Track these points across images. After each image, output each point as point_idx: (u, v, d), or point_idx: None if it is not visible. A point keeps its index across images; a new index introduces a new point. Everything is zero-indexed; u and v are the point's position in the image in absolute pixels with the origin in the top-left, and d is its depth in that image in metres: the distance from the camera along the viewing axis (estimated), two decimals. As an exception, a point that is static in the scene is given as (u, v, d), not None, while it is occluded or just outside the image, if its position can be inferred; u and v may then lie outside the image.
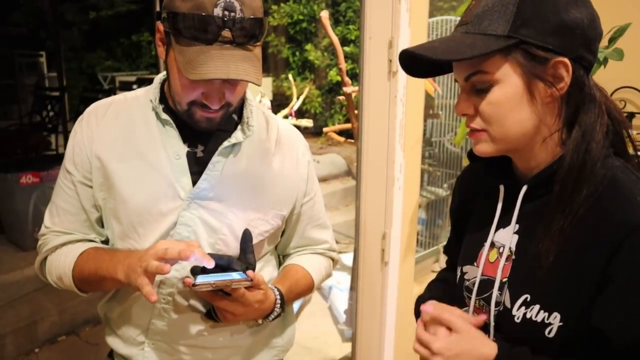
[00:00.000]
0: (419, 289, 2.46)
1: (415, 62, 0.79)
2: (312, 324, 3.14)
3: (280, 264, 1.21)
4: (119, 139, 1.02)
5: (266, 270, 1.12)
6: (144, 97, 1.05)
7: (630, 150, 0.80)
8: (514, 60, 0.73)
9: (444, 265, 2.86)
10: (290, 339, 1.21)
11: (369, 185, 1.95)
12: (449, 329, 0.80)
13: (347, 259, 3.64)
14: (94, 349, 2.76)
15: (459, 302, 0.91)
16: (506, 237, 0.83)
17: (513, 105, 0.74)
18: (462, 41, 0.74)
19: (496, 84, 0.74)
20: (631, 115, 2.26)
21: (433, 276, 2.48)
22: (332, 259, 1.24)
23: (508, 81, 0.74)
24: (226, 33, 0.87)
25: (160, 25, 0.94)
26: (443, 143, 3.00)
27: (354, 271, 2.17)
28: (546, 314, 0.76)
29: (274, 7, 8.14)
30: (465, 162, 2.66)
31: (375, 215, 1.98)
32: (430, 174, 3.09)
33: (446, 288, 1.00)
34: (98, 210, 1.05)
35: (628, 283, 0.70)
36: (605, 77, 2.17)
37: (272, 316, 1.02)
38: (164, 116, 1.00)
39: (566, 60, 0.73)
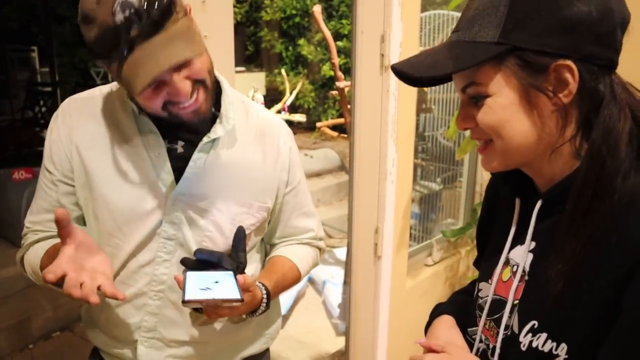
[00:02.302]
0: (412, 282, 2.49)
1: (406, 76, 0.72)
2: (306, 318, 3.15)
3: (266, 254, 1.21)
4: (98, 137, 1.00)
5: (251, 266, 1.12)
6: (120, 94, 1.02)
7: None
8: (507, 70, 0.65)
9: (437, 259, 2.87)
10: (277, 327, 1.23)
11: (362, 179, 1.96)
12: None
13: (341, 253, 3.66)
14: (88, 345, 2.75)
15: (472, 320, 0.85)
16: (521, 256, 0.75)
17: (509, 117, 0.67)
18: (449, 52, 0.68)
19: (490, 96, 0.67)
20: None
21: (426, 270, 2.50)
22: (319, 248, 1.24)
23: (501, 93, 0.66)
24: (134, 32, 0.82)
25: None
26: (436, 137, 3.01)
27: (347, 265, 2.19)
28: (554, 344, 0.68)
29: (267, 2, 8.11)
30: (459, 157, 2.64)
31: (368, 209, 1.99)
32: (423, 168, 3.10)
33: (467, 300, 0.94)
34: (80, 209, 1.04)
35: None
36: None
37: (258, 313, 1.02)
38: (141, 114, 0.98)
39: (569, 62, 0.64)
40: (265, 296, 1.01)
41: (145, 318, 1.04)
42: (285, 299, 3.08)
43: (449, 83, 0.76)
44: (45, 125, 6.11)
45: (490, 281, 0.81)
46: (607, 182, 0.64)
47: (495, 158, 0.72)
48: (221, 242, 1.02)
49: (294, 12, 8.01)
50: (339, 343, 2.80)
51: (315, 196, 5.15)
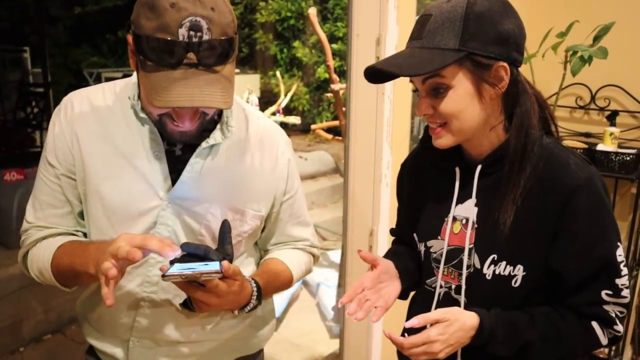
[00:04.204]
0: (407, 285, 2.46)
1: (378, 74, 0.91)
2: (300, 320, 3.15)
3: (261, 258, 1.20)
4: (99, 134, 1.00)
5: (246, 269, 1.12)
6: (123, 92, 1.03)
7: (552, 128, 0.99)
8: (465, 69, 0.88)
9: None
10: (271, 328, 1.23)
11: (357, 182, 1.96)
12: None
13: (335, 255, 3.65)
14: (79, 348, 2.73)
15: (428, 273, 1.04)
16: (467, 210, 0.98)
17: (466, 104, 0.89)
18: (421, 56, 0.87)
19: (451, 88, 0.89)
20: (615, 113, 2.29)
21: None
22: (313, 255, 1.24)
23: (461, 85, 0.88)
24: (191, 56, 0.84)
25: (129, 37, 0.91)
26: (430, 140, 3.02)
27: (342, 268, 2.18)
28: (511, 267, 0.93)
29: (262, 4, 8.11)
30: None
31: (362, 212, 1.99)
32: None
33: (398, 254, 1.13)
34: (81, 203, 1.04)
35: (574, 232, 0.90)
36: (590, 76, 2.21)
37: (248, 308, 1.01)
38: (143, 115, 0.98)
39: (505, 64, 0.88)
40: (255, 290, 1.01)
41: (137, 318, 1.04)
42: (279, 302, 3.07)
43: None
44: (37, 127, 6.08)
45: (440, 237, 1.01)
46: (530, 146, 0.91)
47: (450, 136, 0.93)
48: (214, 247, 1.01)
49: (288, 14, 8.01)
50: (333, 345, 2.80)
51: (310, 198, 5.15)
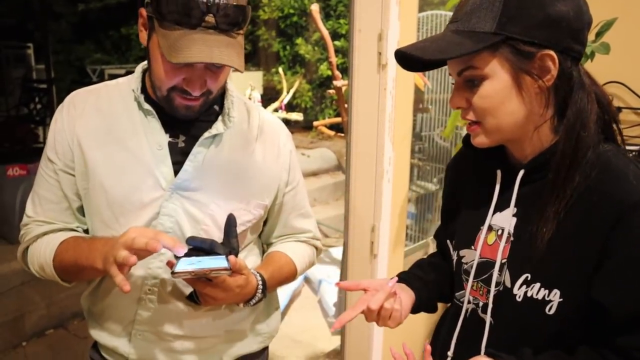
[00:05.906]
0: (408, 281, 2.46)
1: (411, 60, 0.82)
2: (301, 317, 3.15)
3: (264, 252, 1.21)
4: (101, 128, 1.01)
5: (249, 259, 1.13)
6: (126, 87, 1.04)
7: (616, 134, 0.84)
8: (502, 56, 0.76)
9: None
10: (275, 326, 1.22)
11: (359, 177, 1.96)
12: None
13: (337, 252, 3.65)
14: (82, 343, 2.75)
15: (457, 284, 0.94)
16: (504, 220, 0.86)
17: (502, 98, 0.77)
18: (452, 40, 0.77)
19: (486, 79, 0.77)
20: (618, 109, 2.29)
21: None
22: (316, 247, 1.24)
23: (496, 76, 0.77)
24: (209, 18, 0.88)
25: (143, 11, 0.95)
26: (433, 137, 3.01)
27: (344, 264, 2.18)
28: (546, 291, 0.79)
29: (265, 1, 8.11)
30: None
31: (364, 207, 1.99)
32: (420, 169, 3.10)
33: (422, 276, 1.03)
34: (80, 199, 1.05)
35: (627, 257, 0.74)
36: (592, 72, 2.19)
37: (254, 301, 1.02)
38: (146, 106, 1.00)
39: (552, 52, 0.75)
40: (260, 283, 1.02)
41: (139, 311, 1.04)
42: (281, 298, 3.06)
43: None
44: (40, 122, 6.10)
45: (473, 247, 0.90)
46: (581, 152, 0.77)
47: (486, 135, 0.82)
48: (217, 236, 1.02)
49: (291, 11, 8.01)
50: (335, 342, 2.80)
51: (312, 195, 5.15)
